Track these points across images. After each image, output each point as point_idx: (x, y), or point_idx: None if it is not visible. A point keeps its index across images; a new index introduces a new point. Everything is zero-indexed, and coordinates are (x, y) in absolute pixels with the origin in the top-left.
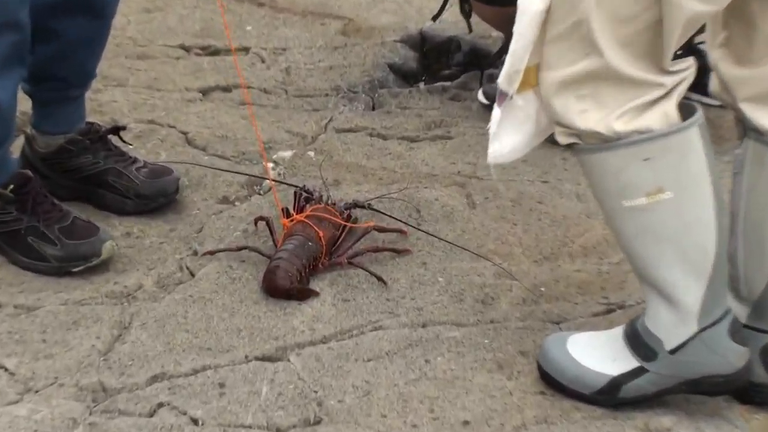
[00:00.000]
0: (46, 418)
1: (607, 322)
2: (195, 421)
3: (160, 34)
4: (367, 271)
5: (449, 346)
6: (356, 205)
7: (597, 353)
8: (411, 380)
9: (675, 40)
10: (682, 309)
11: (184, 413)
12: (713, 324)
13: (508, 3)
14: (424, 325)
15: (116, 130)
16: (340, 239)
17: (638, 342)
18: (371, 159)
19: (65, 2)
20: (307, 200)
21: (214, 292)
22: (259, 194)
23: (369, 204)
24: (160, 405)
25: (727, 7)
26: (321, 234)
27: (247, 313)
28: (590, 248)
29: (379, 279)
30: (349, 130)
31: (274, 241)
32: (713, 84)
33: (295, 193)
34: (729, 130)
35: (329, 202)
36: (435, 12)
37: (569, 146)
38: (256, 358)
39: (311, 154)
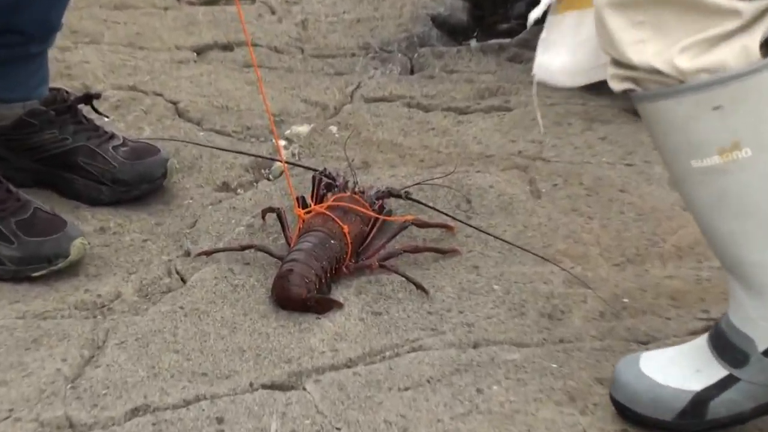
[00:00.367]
0: None
1: None
2: None
3: None
4: (403, 276)
5: (507, 371)
6: (390, 193)
7: (676, 368)
8: (459, 415)
9: None
10: None
11: None
12: None
13: None
14: (475, 345)
15: (88, 98)
16: (370, 236)
17: (724, 344)
18: (409, 136)
19: None
20: (329, 187)
21: (211, 302)
22: (268, 179)
23: (406, 192)
24: None
25: None
26: (346, 229)
27: (252, 329)
28: (686, 249)
29: (419, 287)
30: (382, 100)
31: (286, 238)
32: None
33: (313, 178)
34: None
35: (356, 189)
36: None
37: (625, 96)
38: (264, 387)
39: (333, 129)
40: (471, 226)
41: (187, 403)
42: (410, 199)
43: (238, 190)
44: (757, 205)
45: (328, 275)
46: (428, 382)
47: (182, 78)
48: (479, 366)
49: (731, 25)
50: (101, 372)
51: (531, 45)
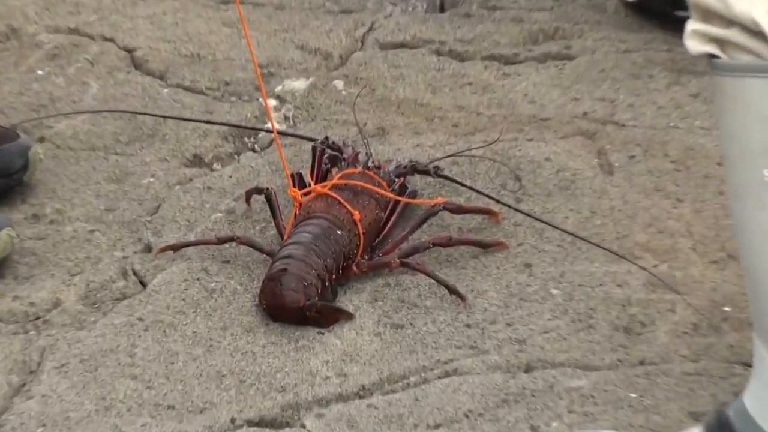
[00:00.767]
0: None
1: None
2: None
3: None
4: (432, 277)
5: (571, 402)
6: (415, 169)
7: None
8: None
9: None
10: None
11: None
12: None
13: None
14: (528, 369)
15: None
16: (389, 225)
17: None
18: (439, 92)
19: None
20: (334, 161)
21: (180, 312)
22: (254, 151)
23: (436, 168)
24: None
25: None
26: (356, 216)
27: (234, 347)
28: None
29: (453, 291)
30: (402, 46)
31: (278, 228)
32: None
33: (313, 149)
34: None
35: (370, 164)
36: None
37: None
38: (250, 423)
39: (339, 84)
40: (521, 211)
41: None
42: (441, 176)
43: (215, 165)
44: None
45: (334, 276)
46: (466, 416)
47: (139, 18)
48: (534, 396)
49: None
50: (35, 404)
51: None
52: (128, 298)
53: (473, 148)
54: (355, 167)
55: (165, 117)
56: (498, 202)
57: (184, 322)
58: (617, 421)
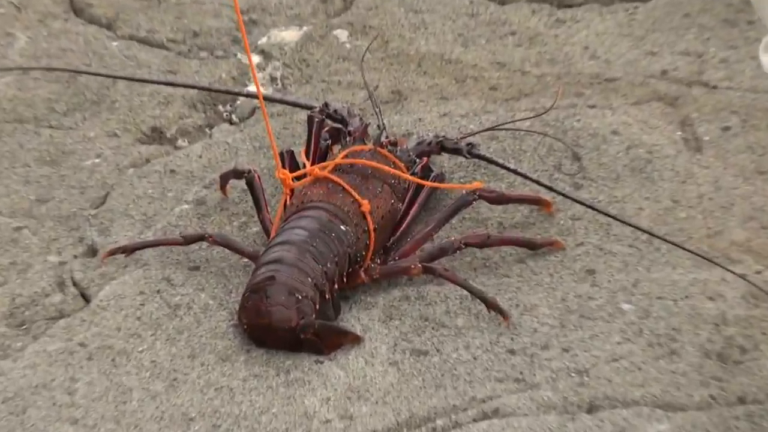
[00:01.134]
0: None
1: None
2: None
3: None
4: (465, 288)
5: None
6: (442, 146)
7: None
8: None
9: None
10: None
11: None
12: None
13: None
14: (591, 408)
15: None
16: (408, 219)
17: None
18: (472, 45)
19: None
20: (336, 136)
21: (135, 336)
22: (231, 123)
23: (470, 146)
24: None
25: None
26: (366, 207)
27: (205, 382)
28: None
29: (493, 306)
30: None
31: (263, 223)
32: None
33: (309, 120)
34: None
35: (383, 139)
36: None
37: None
38: None
39: (342, 35)
40: (581, 202)
41: None
42: (476, 155)
43: (179, 142)
44: None
45: (336, 286)
46: None
47: None
48: None
49: None
50: None
51: None
52: (66, 316)
53: (518, 120)
54: (364, 143)
55: (114, 77)
56: (550, 189)
57: (140, 349)
58: None
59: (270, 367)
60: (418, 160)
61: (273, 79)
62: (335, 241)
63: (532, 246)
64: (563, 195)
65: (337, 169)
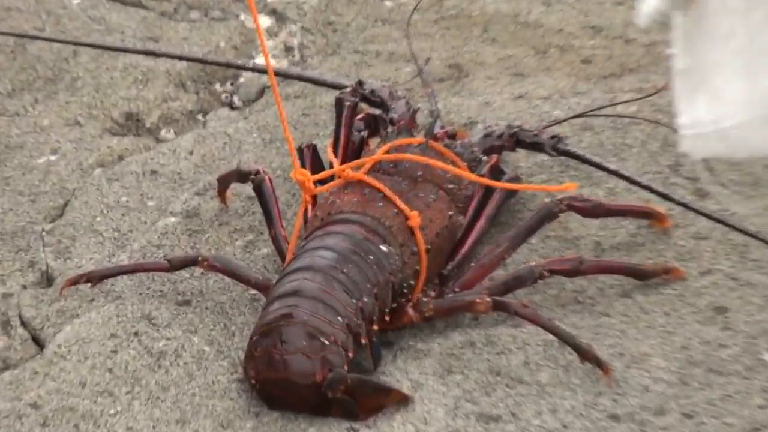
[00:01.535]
0: None
1: None
2: None
3: None
4: (551, 331)
5: None
6: (518, 140)
7: None
8: None
9: None
10: None
11: None
12: None
13: None
14: None
15: None
16: (472, 237)
17: None
18: (557, 4)
19: None
20: (374, 125)
21: (104, 393)
22: (232, 107)
23: (555, 139)
24: None
25: None
26: (414, 221)
27: None
28: None
29: (589, 356)
30: None
31: (275, 241)
32: None
33: (338, 103)
34: None
35: (438, 130)
36: None
37: None
38: None
39: None
40: (707, 215)
41: None
42: (564, 152)
43: (163, 133)
44: None
45: (376, 327)
46: None
47: None
48: None
49: None
50: None
51: None
52: (12, 368)
53: (620, 103)
54: (412, 135)
55: (76, 44)
56: (665, 198)
57: (112, 411)
58: None
59: None
60: (484, 157)
61: (288, 49)
62: (373, 267)
63: (640, 275)
64: (683, 205)
65: (376, 169)
